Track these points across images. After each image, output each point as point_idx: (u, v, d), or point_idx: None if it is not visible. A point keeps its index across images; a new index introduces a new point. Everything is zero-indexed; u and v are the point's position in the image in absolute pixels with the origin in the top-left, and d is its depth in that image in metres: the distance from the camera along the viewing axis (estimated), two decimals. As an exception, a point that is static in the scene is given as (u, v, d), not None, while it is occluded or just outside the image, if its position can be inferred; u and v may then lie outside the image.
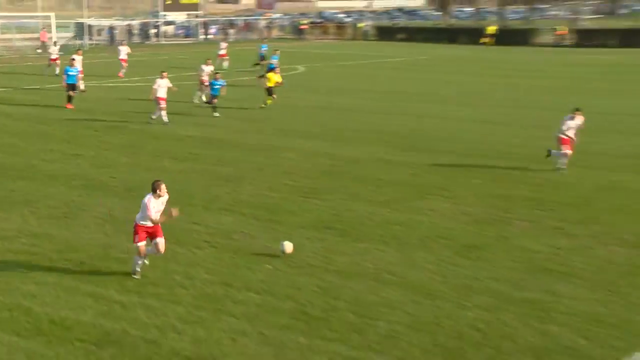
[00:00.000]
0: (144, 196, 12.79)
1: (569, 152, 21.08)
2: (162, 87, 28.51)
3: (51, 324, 11.26)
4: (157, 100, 28.52)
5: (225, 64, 49.75)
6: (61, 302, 12.03)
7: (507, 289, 12.70)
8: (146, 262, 13.23)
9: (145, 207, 12.63)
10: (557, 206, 17.84)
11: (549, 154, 21.63)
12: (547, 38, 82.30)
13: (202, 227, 15.96)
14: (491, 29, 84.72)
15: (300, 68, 49.45)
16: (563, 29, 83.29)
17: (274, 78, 32.60)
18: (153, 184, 12.83)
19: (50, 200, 18.17)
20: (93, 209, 17.33)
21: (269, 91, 32.27)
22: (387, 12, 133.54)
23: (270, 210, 17.21)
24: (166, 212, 12.78)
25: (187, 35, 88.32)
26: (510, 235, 15.70)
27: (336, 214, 17.11)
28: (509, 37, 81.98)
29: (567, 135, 21.08)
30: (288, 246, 13.88)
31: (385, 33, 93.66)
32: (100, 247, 14.71)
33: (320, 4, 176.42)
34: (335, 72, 51.64)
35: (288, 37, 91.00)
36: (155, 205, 12.65)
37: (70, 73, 33.08)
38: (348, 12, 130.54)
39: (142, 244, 12.83)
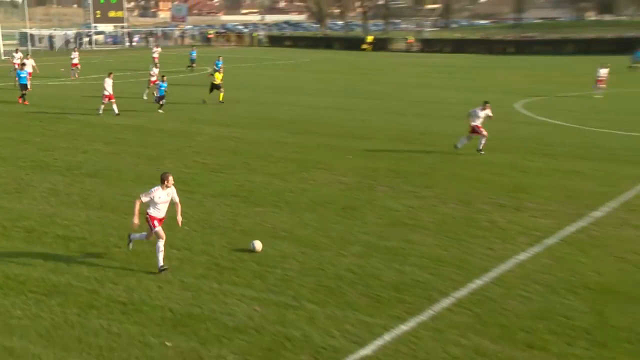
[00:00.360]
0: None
1: (485, 134, 20.50)
2: (109, 84, 27.53)
3: (7, 279, 10.76)
4: (104, 96, 27.52)
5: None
6: (14, 261, 11.47)
7: (374, 240, 12.90)
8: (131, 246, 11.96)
9: (149, 195, 11.01)
10: (410, 175, 18.21)
11: (455, 147, 20.91)
12: (401, 45, 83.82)
13: (130, 197, 15.22)
14: (370, 37, 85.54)
15: (209, 69, 48.37)
16: (411, 39, 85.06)
17: (219, 77, 32.36)
18: (161, 175, 11.10)
19: (3, 178, 17.24)
20: (39, 185, 16.56)
21: (217, 87, 31.92)
22: (277, 24, 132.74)
23: (186, 183, 16.84)
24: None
25: (114, 43, 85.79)
26: (375, 198, 15.93)
27: (239, 184, 16.93)
28: (373, 44, 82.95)
29: (478, 124, 20.50)
30: (258, 245, 12.34)
31: (276, 41, 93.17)
32: (47, 216, 14.08)
33: (224, 17, 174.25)
34: (237, 72, 50.86)
35: (197, 44, 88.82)
36: (161, 196, 11.01)
37: (21, 75, 31.65)
38: (246, 24, 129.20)
39: (159, 228, 11.05)
